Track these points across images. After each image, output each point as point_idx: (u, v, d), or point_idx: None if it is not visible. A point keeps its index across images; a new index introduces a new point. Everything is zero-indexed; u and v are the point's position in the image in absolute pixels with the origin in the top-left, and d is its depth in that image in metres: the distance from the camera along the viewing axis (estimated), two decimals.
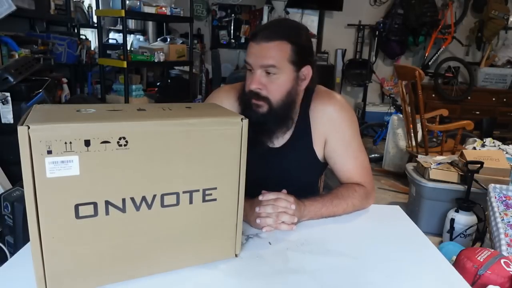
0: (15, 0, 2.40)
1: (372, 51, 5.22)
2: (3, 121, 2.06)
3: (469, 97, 4.96)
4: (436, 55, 5.09)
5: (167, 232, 0.74)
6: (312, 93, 1.12)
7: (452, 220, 2.27)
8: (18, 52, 2.47)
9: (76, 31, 3.67)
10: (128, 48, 3.40)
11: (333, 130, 1.10)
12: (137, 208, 0.69)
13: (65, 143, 0.61)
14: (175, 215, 0.73)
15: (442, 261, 0.88)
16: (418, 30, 5.01)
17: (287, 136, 1.12)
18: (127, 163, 0.66)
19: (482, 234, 2.21)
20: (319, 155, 1.14)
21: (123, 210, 0.68)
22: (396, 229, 1.03)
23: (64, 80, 2.88)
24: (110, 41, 4.38)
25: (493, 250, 1.67)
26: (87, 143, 0.62)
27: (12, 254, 1.55)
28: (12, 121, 2.06)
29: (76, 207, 0.64)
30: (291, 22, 1.08)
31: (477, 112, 4.96)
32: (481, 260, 1.56)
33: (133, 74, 3.74)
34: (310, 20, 5.19)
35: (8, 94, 2.04)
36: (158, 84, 4.30)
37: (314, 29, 5.21)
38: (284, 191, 1.00)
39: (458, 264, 1.60)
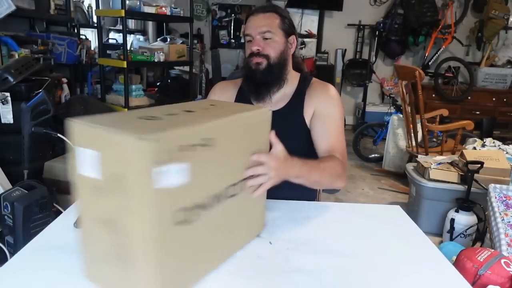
0: (15, 0, 2.40)
1: (372, 51, 5.22)
2: (3, 121, 2.06)
3: (469, 97, 4.96)
4: (436, 55, 5.09)
5: (232, 221, 0.80)
6: (310, 79, 1.32)
7: (452, 220, 2.27)
8: (18, 52, 2.47)
9: (76, 31, 3.66)
10: (128, 48, 3.40)
11: (323, 106, 1.26)
12: (218, 202, 0.74)
13: (169, 151, 0.60)
14: (236, 203, 0.79)
15: (442, 261, 0.88)
16: (418, 30, 5.01)
17: (281, 103, 1.28)
18: (214, 161, 0.70)
19: (482, 234, 2.21)
20: (307, 121, 1.28)
21: (210, 208, 0.71)
22: (396, 229, 1.03)
23: (64, 80, 2.88)
24: (110, 41, 4.37)
25: (493, 250, 1.67)
26: (183, 148, 0.62)
27: (12, 254, 1.55)
28: (12, 121, 2.06)
29: (175, 213, 0.64)
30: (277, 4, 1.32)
31: (477, 112, 4.95)
32: (481, 260, 1.56)
33: (133, 74, 3.74)
34: (310, 20, 5.18)
35: (8, 94, 2.04)
36: (158, 84, 4.29)
37: (314, 29, 5.20)
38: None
39: (458, 264, 1.61)
